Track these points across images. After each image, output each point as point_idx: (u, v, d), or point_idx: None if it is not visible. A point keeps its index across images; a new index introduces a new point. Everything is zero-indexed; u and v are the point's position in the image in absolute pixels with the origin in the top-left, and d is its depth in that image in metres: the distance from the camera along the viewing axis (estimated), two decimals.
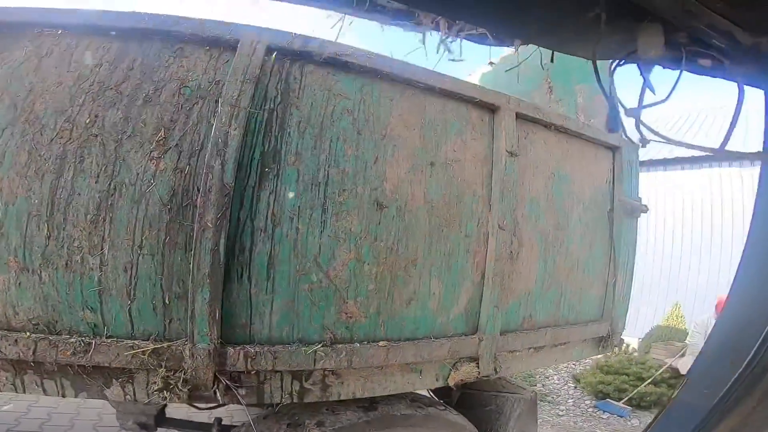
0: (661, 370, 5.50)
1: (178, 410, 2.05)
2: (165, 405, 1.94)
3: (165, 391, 1.25)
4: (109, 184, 1.25)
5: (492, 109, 1.78)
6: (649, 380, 5.34)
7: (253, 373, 1.36)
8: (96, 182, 1.24)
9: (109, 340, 1.21)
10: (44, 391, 1.24)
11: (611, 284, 2.28)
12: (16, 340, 1.15)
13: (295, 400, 1.46)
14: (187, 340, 1.25)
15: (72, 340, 1.18)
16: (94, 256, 1.21)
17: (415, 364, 1.65)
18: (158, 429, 1.94)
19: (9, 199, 1.20)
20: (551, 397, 5.67)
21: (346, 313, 1.50)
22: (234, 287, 1.33)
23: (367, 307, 1.53)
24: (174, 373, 1.25)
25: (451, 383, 1.77)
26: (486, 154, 1.76)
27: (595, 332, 2.27)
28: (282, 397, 1.44)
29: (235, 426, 1.93)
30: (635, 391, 5.25)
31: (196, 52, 1.37)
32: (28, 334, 1.17)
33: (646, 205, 2.43)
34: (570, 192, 2.07)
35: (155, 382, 1.25)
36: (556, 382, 6.21)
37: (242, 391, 1.36)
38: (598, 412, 5.31)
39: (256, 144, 1.37)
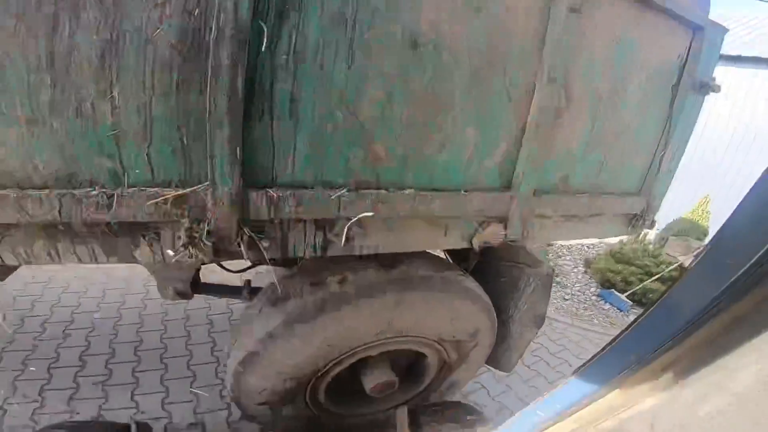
0: (670, 268, 5.07)
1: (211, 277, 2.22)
2: (199, 270, 2.02)
3: (191, 246, 1.20)
4: (111, 35, 1.05)
5: None
6: (656, 276, 5.01)
7: (276, 222, 1.31)
8: (96, 32, 1.04)
9: (130, 191, 1.13)
10: (78, 258, 1.21)
11: (659, 157, 2.10)
12: (41, 199, 1.09)
13: (318, 253, 1.42)
14: (208, 185, 1.17)
15: (94, 192, 1.11)
16: (104, 101, 1.09)
17: (441, 218, 1.60)
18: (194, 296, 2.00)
19: (2, 59, 1.02)
20: (560, 279, 5.68)
21: (373, 156, 1.39)
22: (254, 126, 1.21)
23: (396, 150, 1.41)
24: (198, 224, 1.20)
25: (476, 244, 1.73)
26: (544, 5, 1.47)
27: (631, 207, 2.17)
28: (305, 249, 1.40)
29: (260, 288, 1.97)
30: (640, 285, 5.05)
31: None
32: (50, 191, 1.10)
33: (718, 85, 2.11)
34: (634, 59, 1.80)
35: (180, 237, 1.21)
36: (568, 262, 6.18)
37: (265, 243, 1.30)
38: (600, 302, 5.28)
39: None
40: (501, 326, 2.11)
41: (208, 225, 1.19)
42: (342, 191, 1.35)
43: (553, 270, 2.08)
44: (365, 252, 1.50)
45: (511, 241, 1.78)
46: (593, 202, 1.94)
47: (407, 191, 1.45)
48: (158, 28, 1.07)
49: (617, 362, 0.87)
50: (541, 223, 1.86)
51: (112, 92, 1.08)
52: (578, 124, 1.74)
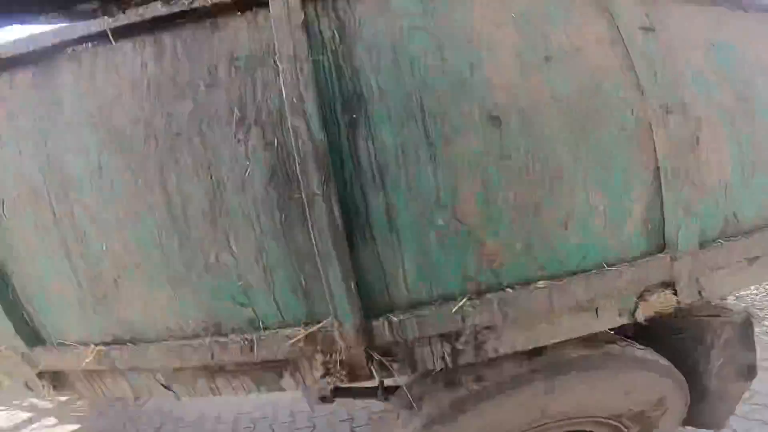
0: None
1: None
2: None
3: (328, 377, 1.26)
4: (211, 177, 1.21)
5: None
6: None
7: (401, 342, 1.26)
8: (198, 180, 1.21)
9: (266, 333, 1.23)
10: (233, 389, 1.35)
11: None
12: (194, 348, 1.25)
13: (449, 365, 1.32)
14: (333, 320, 1.21)
15: (237, 338, 1.23)
16: (225, 252, 1.22)
17: (587, 302, 1.31)
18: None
19: (134, 220, 1.25)
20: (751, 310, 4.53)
21: (488, 255, 1.23)
22: (361, 254, 1.21)
23: (513, 242, 1.24)
24: (330, 357, 1.24)
25: (641, 318, 1.38)
26: (612, 35, 1.32)
27: None
28: (435, 362, 1.31)
29: (397, 387, 1.92)
30: None
31: (231, 20, 1.22)
32: (201, 340, 1.25)
33: None
34: (741, 60, 1.52)
35: (317, 369, 1.26)
36: (754, 292, 5.03)
37: (395, 365, 1.29)
38: None
39: (333, 93, 1.19)
40: (695, 384, 1.74)
41: (339, 356, 1.23)
42: (463, 301, 1.23)
43: (748, 314, 1.68)
44: (501, 353, 1.34)
45: (685, 305, 1.40)
46: None
47: (539, 284, 1.24)
48: (247, 166, 1.19)
49: None
50: (716, 274, 1.44)
51: (229, 243, 1.21)
52: (721, 146, 1.41)
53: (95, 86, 1.26)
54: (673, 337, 1.83)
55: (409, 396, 1.55)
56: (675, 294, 1.36)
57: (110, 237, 1.25)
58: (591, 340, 1.57)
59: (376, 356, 1.24)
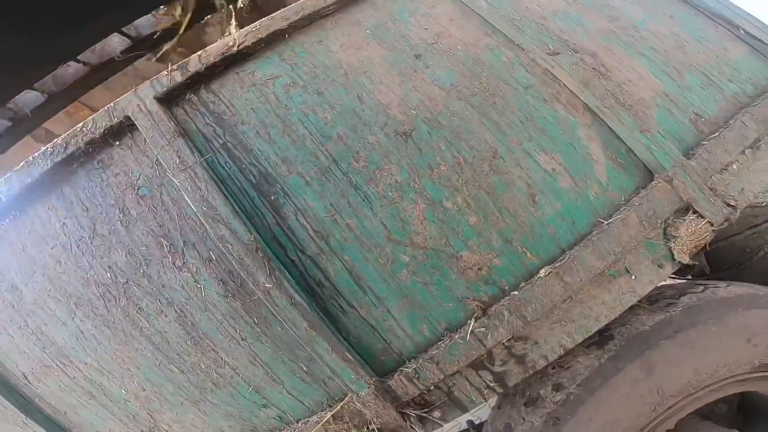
0: None
1: None
2: None
3: None
4: (174, 310, 1.17)
5: None
6: None
7: (432, 388, 1.15)
8: (165, 316, 1.17)
9: (299, 424, 1.19)
10: None
11: None
12: None
13: (498, 391, 1.15)
14: (350, 393, 1.13)
15: None
16: (222, 367, 1.19)
17: (610, 266, 1.10)
18: None
19: (133, 364, 1.22)
20: None
21: (470, 268, 1.08)
22: (343, 321, 1.14)
23: (488, 242, 1.09)
24: (367, 428, 1.17)
25: (684, 258, 1.17)
26: (460, 8, 1.37)
27: None
28: (483, 395, 1.16)
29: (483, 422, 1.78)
30: None
31: (113, 152, 1.22)
32: None
33: None
34: None
35: None
36: None
37: (437, 413, 1.17)
38: None
39: (241, 184, 1.17)
40: None
41: (373, 425, 1.15)
42: (470, 324, 1.08)
43: None
44: (550, 358, 1.14)
45: (721, 224, 1.18)
46: (755, 113, 1.34)
47: (541, 273, 1.06)
48: (199, 288, 1.16)
49: None
50: (729, 178, 1.26)
51: (220, 357, 1.18)
52: (631, 63, 1.35)
53: (34, 259, 1.24)
54: (752, 261, 1.70)
55: (497, 425, 1.39)
56: (701, 216, 1.17)
57: (123, 382, 1.23)
58: (660, 299, 1.38)
59: (410, 412, 1.14)
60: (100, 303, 1.16)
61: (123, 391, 1.21)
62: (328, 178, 1.15)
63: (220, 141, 1.19)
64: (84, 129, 1.19)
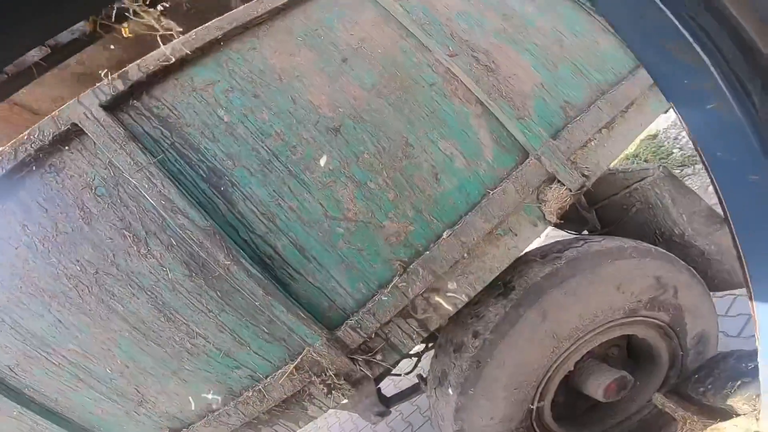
0: None
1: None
2: (379, 389, 2.22)
3: (334, 391, 1.38)
4: (145, 292, 1.34)
5: None
6: None
7: (373, 336, 1.39)
8: (137, 298, 1.34)
9: (268, 379, 1.37)
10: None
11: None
12: (227, 414, 1.40)
13: (423, 335, 1.43)
14: (306, 347, 1.34)
15: (250, 393, 1.37)
16: (195, 338, 1.37)
17: (497, 228, 1.47)
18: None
19: (114, 344, 1.38)
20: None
21: (392, 235, 1.37)
22: (294, 286, 1.36)
23: (404, 213, 1.38)
24: (325, 375, 1.37)
25: (552, 218, 1.54)
26: (381, 13, 1.58)
27: (642, 80, 1.89)
28: (412, 339, 1.43)
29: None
30: None
31: (65, 156, 1.30)
32: (226, 406, 1.40)
33: None
34: None
35: (323, 389, 1.38)
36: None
37: (379, 356, 1.41)
38: None
39: (193, 179, 1.33)
40: (686, 251, 1.83)
41: (330, 371, 1.36)
42: (395, 280, 1.36)
43: (663, 166, 1.90)
44: (459, 306, 1.45)
45: (579, 190, 1.59)
46: (610, 99, 1.76)
47: (444, 235, 1.39)
48: (165, 271, 1.31)
49: None
50: (586, 150, 1.66)
51: (191, 329, 1.36)
52: (517, 60, 1.67)
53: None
54: (629, 216, 2.00)
55: (436, 374, 1.71)
56: (562, 184, 1.56)
57: (106, 362, 1.37)
58: (549, 253, 1.69)
59: (358, 357, 1.38)
60: (73, 293, 1.28)
61: (108, 370, 1.34)
62: (270, 169, 1.35)
63: (168, 141, 1.31)
64: (31, 137, 1.25)
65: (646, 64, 0.66)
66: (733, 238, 0.68)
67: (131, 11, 1.57)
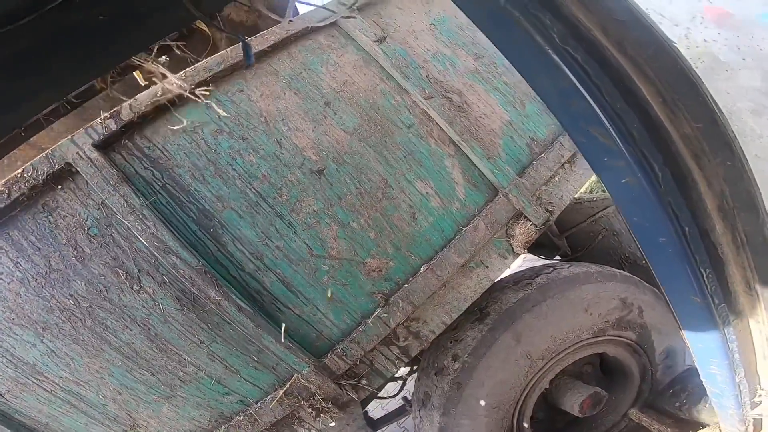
0: None
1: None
2: (366, 412, 2.29)
3: (322, 414, 1.47)
4: (138, 324, 1.42)
5: None
6: None
7: (358, 363, 1.51)
8: (129, 330, 1.41)
9: (258, 404, 1.47)
10: None
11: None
12: None
13: (405, 360, 1.55)
14: (295, 373, 1.43)
15: (241, 417, 1.46)
16: (187, 366, 1.44)
17: (469, 261, 1.60)
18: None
19: (106, 372, 1.44)
20: None
21: (373, 270, 1.50)
22: (282, 318, 1.46)
23: (384, 250, 1.50)
24: (313, 399, 1.46)
25: (520, 251, 1.69)
26: (363, 57, 1.69)
27: None
28: (394, 364, 1.55)
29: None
30: None
31: (57, 196, 1.35)
32: (215, 429, 1.49)
33: None
34: (458, 25, 1.97)
35: (312, 413, 1.47)
36: None
37: (364, 381, 1.52)
38: None
39: (183, 221, 1.40)
40: (652, 274, 1.98)
41: (318, 395, 1.46)
42: (377, 311, 1.49)
43: None
44: (437, 332, 1.58)
45: (544, 225, 1.74)
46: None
47: (421, 270, 1.52)
48: (157, 305, 1.40)
49: None
50: (549, 187, 1.82)
51: (183, 359, 1.43)
52: (487, 99, 1.80)
53: None
54: (596, 242, 2.16)
55: (419, 396, 1.84)
56: (529, 219, 1.72)
57: (99, 390, 1.42)
58: (521, 280, 1.82)
59: (344, 382, 1.49)
60: (66, 325, 1.33)
61: (101, 397, 1.40)
62: (257, 211, 1.43)
63: (160, 183, 1.38)
64: (25, 175, 1.29)
65: (574, 141, 0.81)
66: (658, 287, 0.81)
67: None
